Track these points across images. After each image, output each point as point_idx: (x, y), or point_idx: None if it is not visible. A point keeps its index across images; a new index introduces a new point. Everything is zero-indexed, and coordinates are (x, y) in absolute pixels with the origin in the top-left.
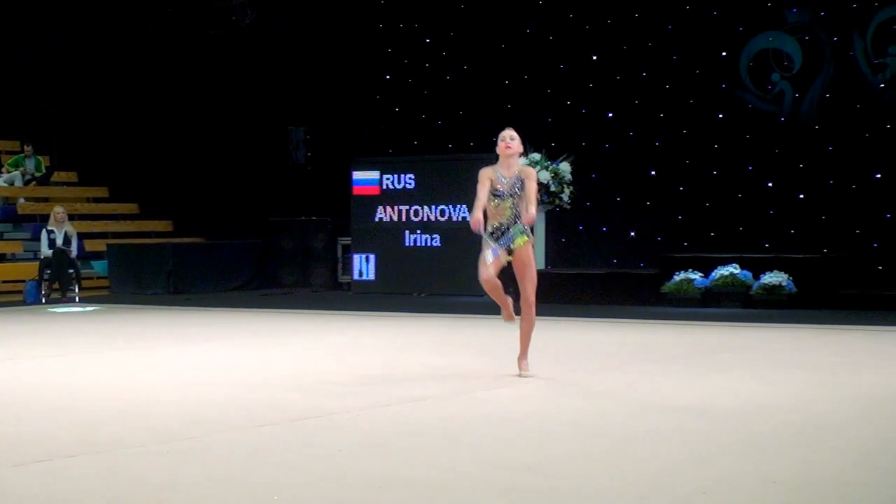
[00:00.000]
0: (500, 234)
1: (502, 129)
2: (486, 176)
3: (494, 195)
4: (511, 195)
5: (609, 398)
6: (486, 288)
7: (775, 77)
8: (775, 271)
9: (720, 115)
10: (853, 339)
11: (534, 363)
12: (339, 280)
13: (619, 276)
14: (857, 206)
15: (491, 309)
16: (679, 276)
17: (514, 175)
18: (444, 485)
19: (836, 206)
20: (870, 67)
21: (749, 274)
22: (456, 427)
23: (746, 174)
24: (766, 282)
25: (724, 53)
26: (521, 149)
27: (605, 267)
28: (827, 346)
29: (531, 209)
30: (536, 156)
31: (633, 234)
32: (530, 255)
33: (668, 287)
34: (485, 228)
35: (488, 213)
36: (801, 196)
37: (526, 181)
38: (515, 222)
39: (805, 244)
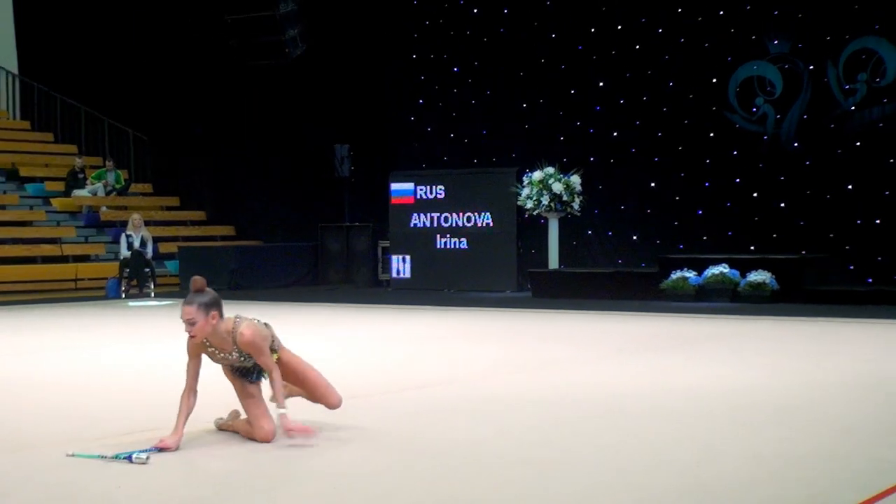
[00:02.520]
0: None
1: (520, 147)
2: (193, 350)
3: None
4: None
5: (613, 381)
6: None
7: (759, 101)
8: (760, 270)
9: (711, 134)
10: (828, 329)
11: (549, 350)
12: (380, 278)
13: (623, 274)
14: (831, 213)
15: (510, 303)
16: (675, 275)
17: (232, 350)
18: (469, 456)
19: (813, 213)
20: (842, 92)
21: (737, 273)
22: (480, 406)
23: (734, 185)
24: (751, 280)
25: (714, 80)
26: (210, 327)
27: (610, 266)
28: (805, 335)
29: (276, 396)
30: (550, 169)
31: (635, 237)
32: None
33: (665, 284)
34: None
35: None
36: (783, 204)
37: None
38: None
39: (786, 246)
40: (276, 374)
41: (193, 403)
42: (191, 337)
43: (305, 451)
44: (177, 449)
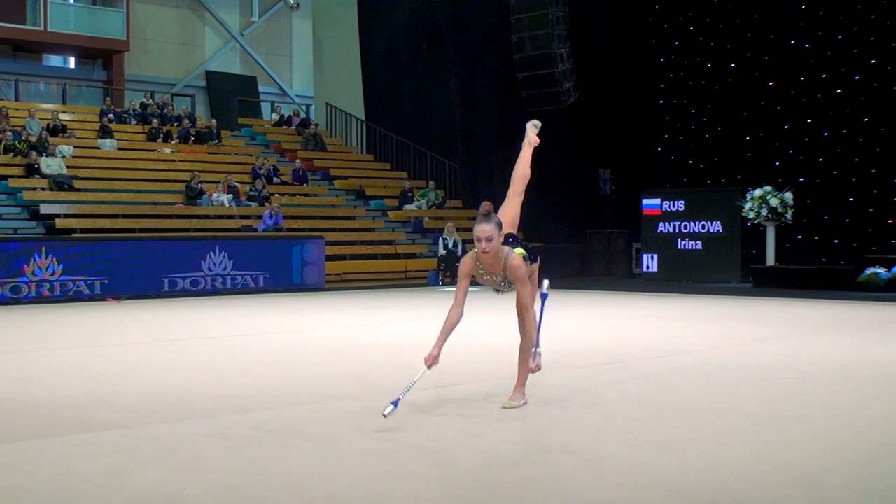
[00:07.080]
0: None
1: (744, 170)
2: (466, 270)
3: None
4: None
5: (817, 352)
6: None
7: None
8: None
9: None
10: None
11: (767, 328)
12: (633, 271)
13: (827, 270)
14: None
15: (735, 292)
16: (869, 271)
17: (499, 273)
18: (701, 410)
19: None
20: None
21: None
22: (710, 371)
23: None
24: None
25: None
26: (498, 245)
27: (816, 264)
28: None
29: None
30: (768, 188)
31: (836, 241)
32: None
33: (861, 278)
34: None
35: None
36: None
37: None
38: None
39: None
40: (530, 313)
41: (456, 319)
42: (484, 252)
43: (568, 405)
44: (433, 363)
